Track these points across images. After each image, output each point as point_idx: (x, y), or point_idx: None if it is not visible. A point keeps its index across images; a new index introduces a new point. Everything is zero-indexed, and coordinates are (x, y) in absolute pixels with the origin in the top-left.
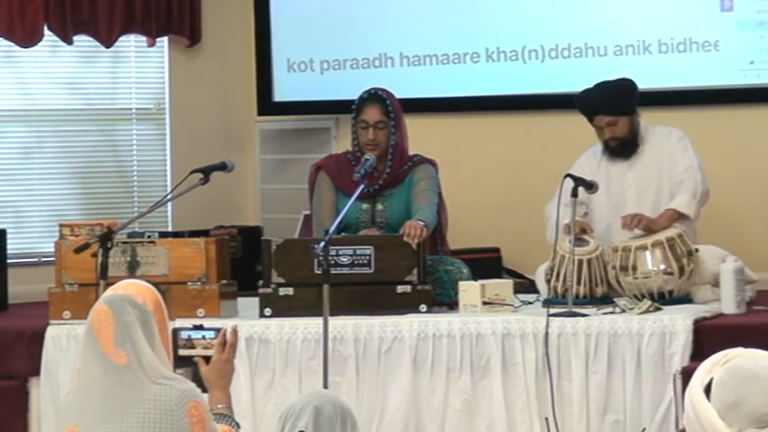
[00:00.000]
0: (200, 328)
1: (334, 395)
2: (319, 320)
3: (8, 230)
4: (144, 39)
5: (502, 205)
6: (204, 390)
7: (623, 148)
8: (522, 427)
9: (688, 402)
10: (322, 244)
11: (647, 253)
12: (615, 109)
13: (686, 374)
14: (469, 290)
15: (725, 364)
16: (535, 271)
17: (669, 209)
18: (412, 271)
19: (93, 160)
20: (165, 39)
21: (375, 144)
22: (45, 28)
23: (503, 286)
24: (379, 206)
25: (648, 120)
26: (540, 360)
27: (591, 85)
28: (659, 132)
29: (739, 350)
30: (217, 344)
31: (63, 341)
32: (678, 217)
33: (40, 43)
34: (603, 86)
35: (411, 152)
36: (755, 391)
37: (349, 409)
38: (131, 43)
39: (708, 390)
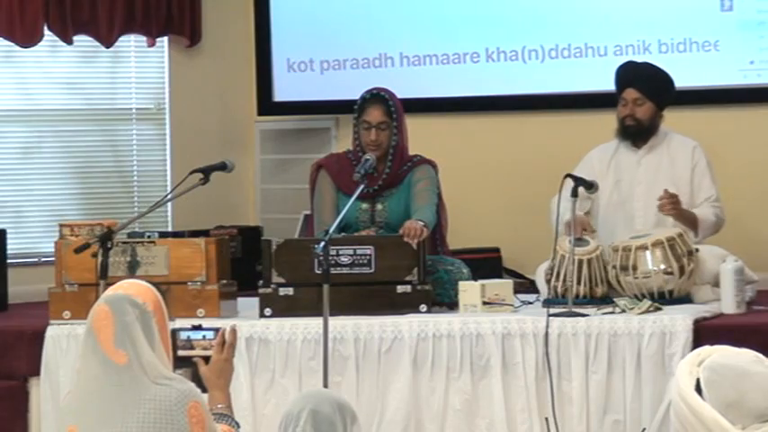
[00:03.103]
0: (199, 328)
1: (328, 392)
2: (319, 320)
3: (8, 230)
4: (144, 39)
5: (502, 205)
6: (204, 390)
7: (636, 131)
8: (522, 427)
9: (683, 408)
10: (322, 244)
11: (648, 253)
12: (650, 90)
13: None
14: (469, 290)
15: (702, 363)
16: (535, 271)
17: (693, 211)
18: (412, 271)
19: (93, 160)
20: (165, 39)
21: (377, 144)
22: (45, 28)
23: (503, 286)
24: (379, 206)
25: (664, 120)
26: (540, 360)
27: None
28: (680, 139)
29: (709, 348)
30: (216, 344)
31: (63, 341)
32: (693, 221)
33: (40, 43)
34: (652, 66)
35: (411, 152)
36: (752, 386)
37: (345, 402)
38: (131, 43)
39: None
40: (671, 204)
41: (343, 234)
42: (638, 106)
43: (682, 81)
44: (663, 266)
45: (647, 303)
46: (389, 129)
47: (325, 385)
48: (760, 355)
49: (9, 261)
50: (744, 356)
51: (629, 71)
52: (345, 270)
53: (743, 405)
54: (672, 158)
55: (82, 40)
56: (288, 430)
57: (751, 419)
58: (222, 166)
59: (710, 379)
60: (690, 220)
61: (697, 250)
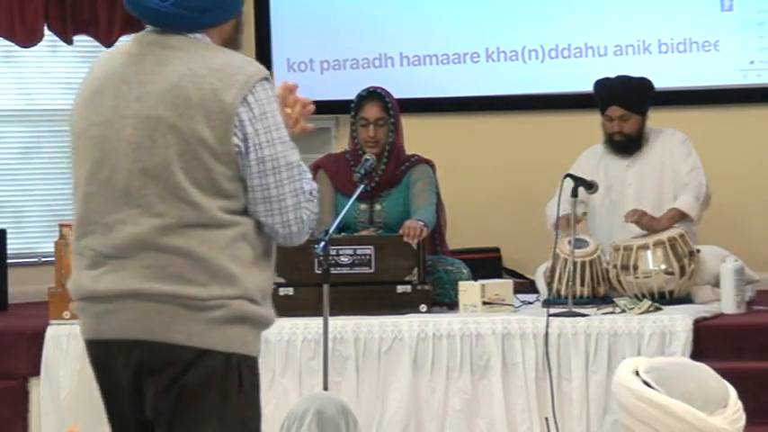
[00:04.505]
0: None
1: (331, 395)
2: (319, 320)
3: (8, 230)
4: None
5: (502, 205)
6: None
7: (626, 144)
8: (522, 427)
9: (645, 408)
10: (322, 244)
11: (649, 252)
12: (632, 105)
13: None
14: (469, 290)
15: (637, 371)
16: (535, 271)
17: (672, 208)
18: (412, 271)
19: None
20: None
21: (375, 141)
22: (45, 28)
23: (503, 286)
24: (378, 206)
25: (648, 119)
26: (540, 360)
27: (612, 76)
28: (662, 134)
29: (634, 359)
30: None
31: (63, 341)
32: (680, 217)
33: (40, 43)
34: (626, 80)
35: (410, 152)
36: (706, 375)
37: (348, 407)
38: None
39: None
40: (636, 215)
41: (342, 234)
42: (625, 122)
43: (682, 81)
44: (664, 266)
45: (647, 303)
46: (387, 125)
47: (326, 386)
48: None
49: (9, 261)
50: (673, 357)
51: (607, 89)
52: (345, 270)
53: (704, 393)
54: (658, 154)
55: (82, 40)
56: (291, 429)
57: (713, 406)
58: None
59: (663, 377)
60: (675, 218)
61: (698, 251)
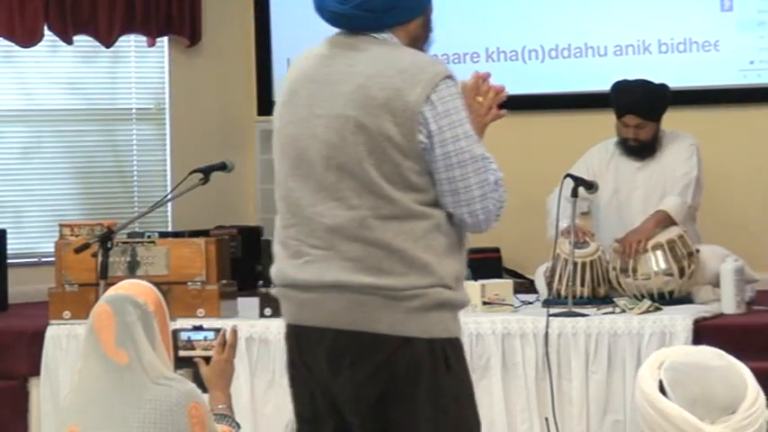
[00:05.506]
0: (199, 328)
1: None
2: None
3: (8, 230)
4: (144, 39)
5: None
6: (205, 390)
7: (640, 149)
8: (522, 427)
9: (651, 412)
10: None
11: (648, 254)
12: (649, 114)
13: None
14: (469, 290)
15: (662, 365)
16: (535, 271)
17: (659, 210)
18: None
19: (93, 160)
20: (165, 39)
21: None
22: (45, 28)
23: (503, 286)
24: None
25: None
26: (540, 360)
27: (631, 79)
28: (675, 137)
29: (666, 350)
30: (216, 344)
31: (63, 341)
32: (667, 219)
33: (40, 43)
34: (646, 88)
35: None
36: (715, 380)
37: None
38: (131, 43)
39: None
40: (641, 247)
41: None
42: (641, 129)
43: (682, 81)
44: (663, 267)
45: (646, 303)
46: None
47: None
48: (720, 351)
49: (9, 261)
50: (703, 353)
51: (626, 97)
52: None
53: (709, 400)
54: (669, 160)
55: (82, 40)
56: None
57: (718, 413)
58: (222, 166)
59: (674, 378)
60: (659, 223)
61: (698, 251)
